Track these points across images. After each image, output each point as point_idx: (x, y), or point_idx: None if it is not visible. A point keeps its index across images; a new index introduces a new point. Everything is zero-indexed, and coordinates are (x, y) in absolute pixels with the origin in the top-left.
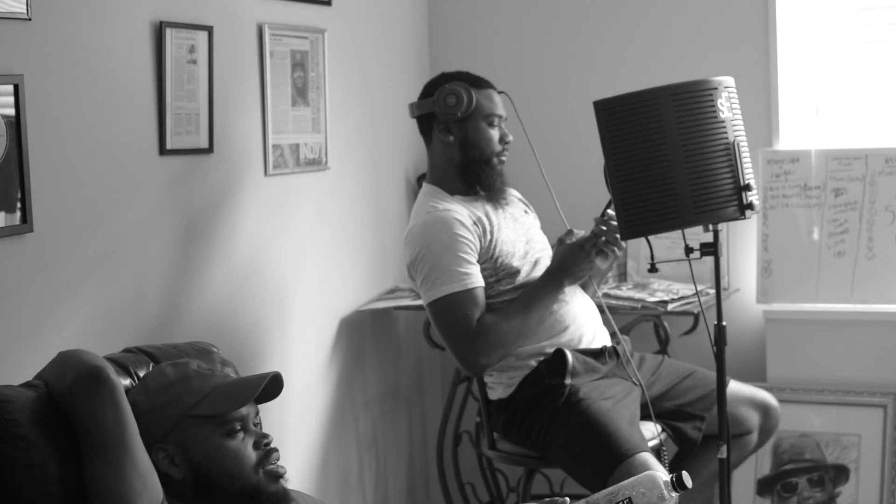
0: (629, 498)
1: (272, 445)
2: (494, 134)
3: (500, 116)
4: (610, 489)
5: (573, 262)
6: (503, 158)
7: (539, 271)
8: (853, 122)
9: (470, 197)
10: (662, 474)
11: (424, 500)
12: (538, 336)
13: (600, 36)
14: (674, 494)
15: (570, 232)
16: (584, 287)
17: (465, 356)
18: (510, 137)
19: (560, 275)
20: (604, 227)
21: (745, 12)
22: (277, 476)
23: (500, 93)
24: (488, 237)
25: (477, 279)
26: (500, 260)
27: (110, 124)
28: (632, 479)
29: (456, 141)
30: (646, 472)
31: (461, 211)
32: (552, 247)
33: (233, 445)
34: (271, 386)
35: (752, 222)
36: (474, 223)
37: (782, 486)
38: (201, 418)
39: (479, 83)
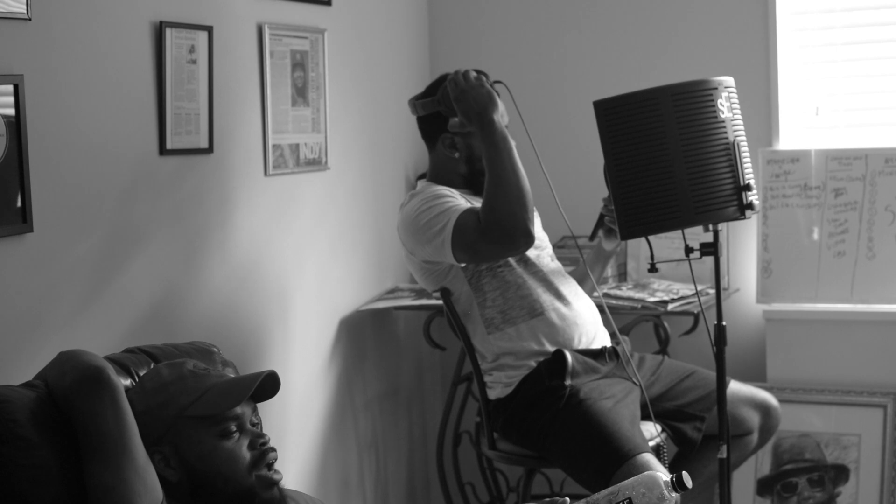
0: (629, 498)
1: (269, 445)
2: None
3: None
4: (610, 489)
5: (476, 96)
6: None
7: (530, 266)
8: (853, 122)
9: (468, 191)
10: (663, 474)
11: (424, 500)
12: (538, 335)
13: (600, 36)
14: (674, 495)
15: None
16: (583, 283)
17: (505, 243)
18: (514, 143)
19: (479, 116)
20: (612, 207)
21: (745, 12)
22: (272, 483)
23: (496, 82)
24: None
25: (465, 203)
26: None
27: (110, 124)
28: (632, 479)
29: (462, 156)
30: (646, 472)
31: (447, 189)
32: (552, 244)
33: (227, 446)
34: (269, 384)
35: (752, 222)
36: (462, 197)
37: (782, 486)
38: (196, 419)
39: None
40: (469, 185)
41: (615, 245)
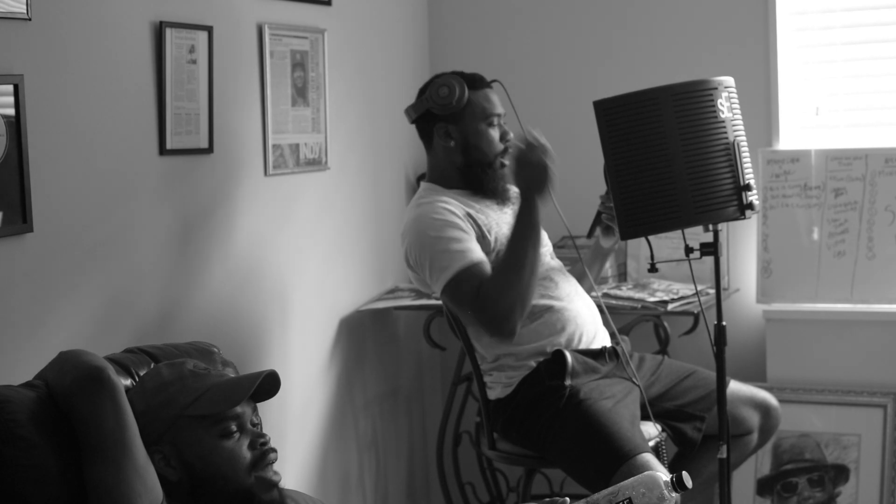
0: (629, 498)
1: (270, 445)
2: (495, 134)
3: (499, 115)
4: (610, 489)
5: (529, 173)
6: (505, 161)
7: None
8: (853, 122)
9: (468, 191)
10: (663, 474)
11: (424, 500)
12: (538, 334)
13: (600, 36)
14: (674, 495)
15: (522, 146)
16: (581, 280)
17: (489, 327)
18: (511, 135)
19: (527, 192)
20: (609, 205)
21: (745, 12)
22: (271, 485)
23: (493, 81)
24: (484, 233)
25: (475, 254)
26: (501, 253)
27: (110, 124)
28: (632, 479)
29: (457, 145)
30: (646, 472)
31: (452, 202)
32: (552, 243)
33: (227, 446)
34: (269, 384)
35: (752, 222)
36: (466, 215)
37: (782, 486)
38: (196, 418)
39: (473, 83)
40: (466, 180)
41: (613, 242)
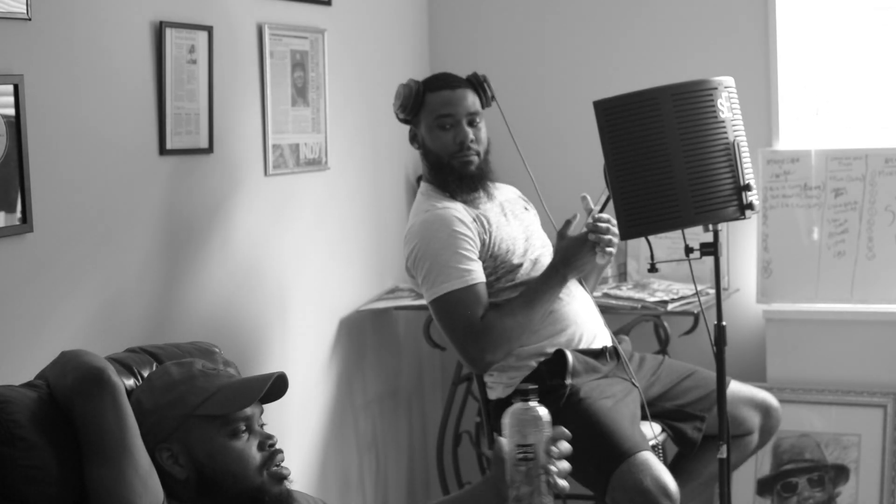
0: (523, 436)
1: (277, 447)
2: (446, 136)
3: (450, 115)
4: (502, 440)
5: (576, 255)
6: (466, 160)
7: (539, 269)
8: (853, 122)
9: (454, 194)
10: (519, 404)
11: (424, 500)
12: (538, 335)
13: (600, 36)
14: (532, 404)
15: (568, 223)
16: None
17: (470, 353)
18: (470, 137)
19: (564, 268)
20: (597, 227)
21: (745, 12)
22: (282, 477)
23: (471, 75)
24: (488, 235)
25: (478, 275)
26: (499, 258)
27: (110, 124)
28: (506, 422)
29: (421, 148)
30: (508, 412)
31: (460, 209)
32: (552, 243)
33: (237, 446)
34: (276, 386)
35: (752, 222)
36: (474, 220)
37: (782, 486)
38: (206, 418)
39: (433, 84)
40: (436, 182)
41: (605, 261)
